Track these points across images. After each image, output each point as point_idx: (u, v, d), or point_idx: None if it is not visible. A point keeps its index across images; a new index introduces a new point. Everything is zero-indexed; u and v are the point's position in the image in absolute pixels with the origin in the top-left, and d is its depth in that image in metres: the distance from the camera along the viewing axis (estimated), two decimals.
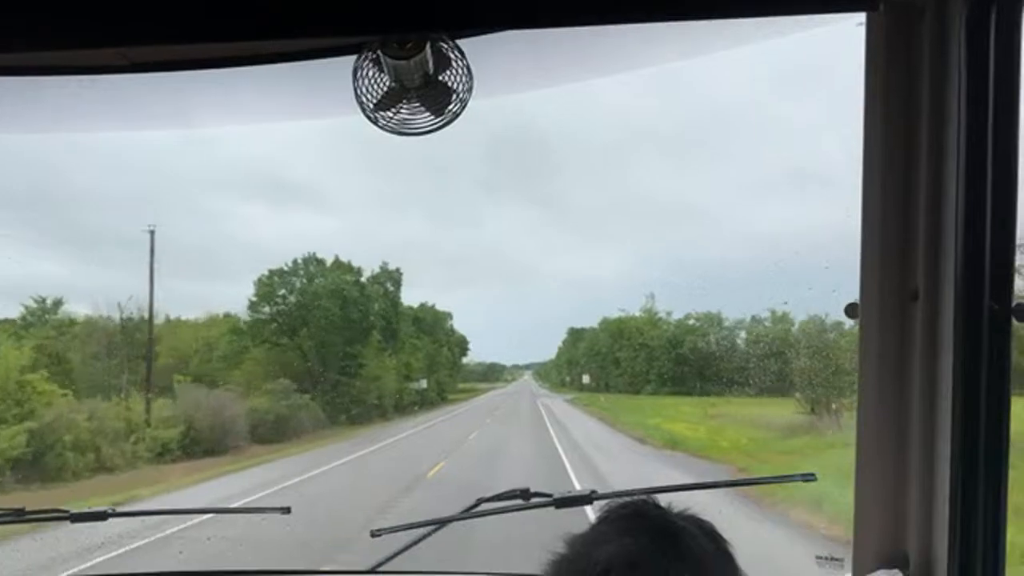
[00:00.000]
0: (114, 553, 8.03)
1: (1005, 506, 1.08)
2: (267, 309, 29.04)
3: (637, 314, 37.24)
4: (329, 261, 30.49)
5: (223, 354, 26.78)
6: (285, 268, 29.75)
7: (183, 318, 28.18)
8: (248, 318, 28.42)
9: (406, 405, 31.69)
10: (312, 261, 30.09)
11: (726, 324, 30.85)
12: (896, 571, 1.16)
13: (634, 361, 35.04)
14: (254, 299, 29.27)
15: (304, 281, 30.15)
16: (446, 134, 1.22)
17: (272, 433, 21.89)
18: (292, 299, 29.66)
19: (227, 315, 28.44)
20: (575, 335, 47.19)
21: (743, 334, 28.82)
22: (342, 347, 28.42)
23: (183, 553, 8.14)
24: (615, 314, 38.34)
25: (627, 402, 31.55)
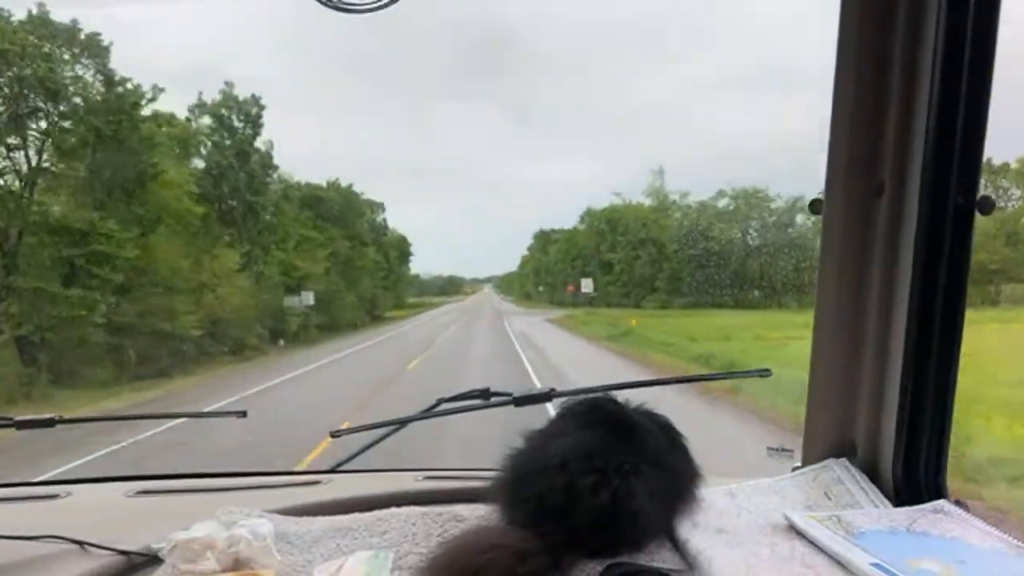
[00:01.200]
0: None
1: (952, 398, 1.14)
2: None
3: (636, 200, 27.84)
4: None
5: None
6: None
7: None
8: None
9: (297, 332, 19.69)
10: None
11: (775, 206, 23.05)
12: (844, 460, 1.26)
13: (633, 263, 26.28)
14: None
15: None
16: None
17: None
18: None
19: None
20: (543, 239, 38.42)
21: (800, 217, 21.76)
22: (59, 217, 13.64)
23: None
24: (604, 203, 28.78)
25: (672, 323, 18.94)
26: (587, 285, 28.21)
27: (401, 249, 34.22)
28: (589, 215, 30.53)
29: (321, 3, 1.17)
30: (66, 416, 1.41)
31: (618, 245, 27.05)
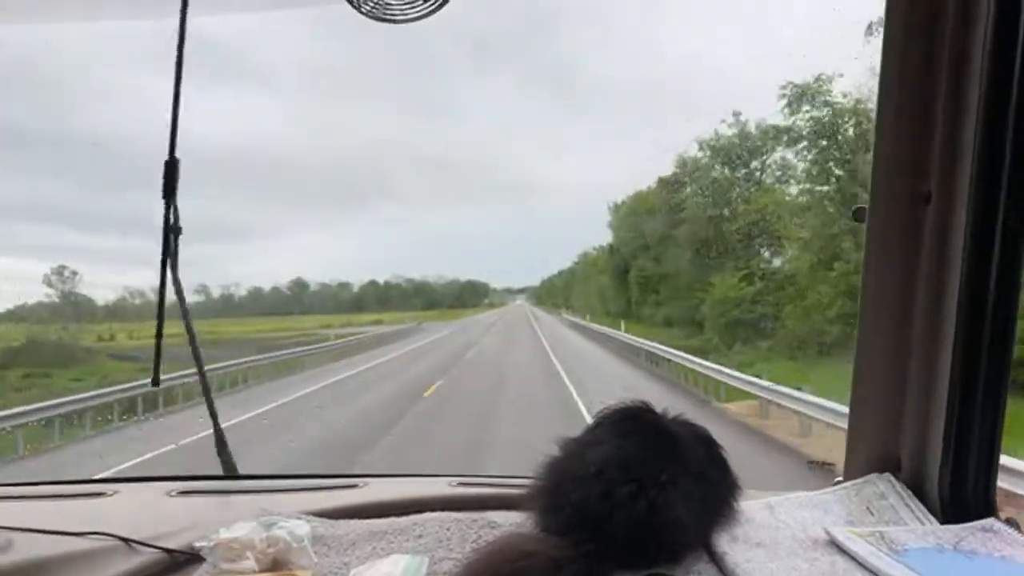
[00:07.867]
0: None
1: (1003, 413, 1.13)
2: None
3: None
4: None
5: None
6: None
7: None
8: None
9: None
10: None
11: None
12: (887, 475, 1.25)
13: None
14: None
15: None
16: None
17: None
18: None
19: None
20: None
21: None
22: None
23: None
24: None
25: None
26: None
27: None
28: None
29: (370, 17, 1.20)
30: None
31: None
